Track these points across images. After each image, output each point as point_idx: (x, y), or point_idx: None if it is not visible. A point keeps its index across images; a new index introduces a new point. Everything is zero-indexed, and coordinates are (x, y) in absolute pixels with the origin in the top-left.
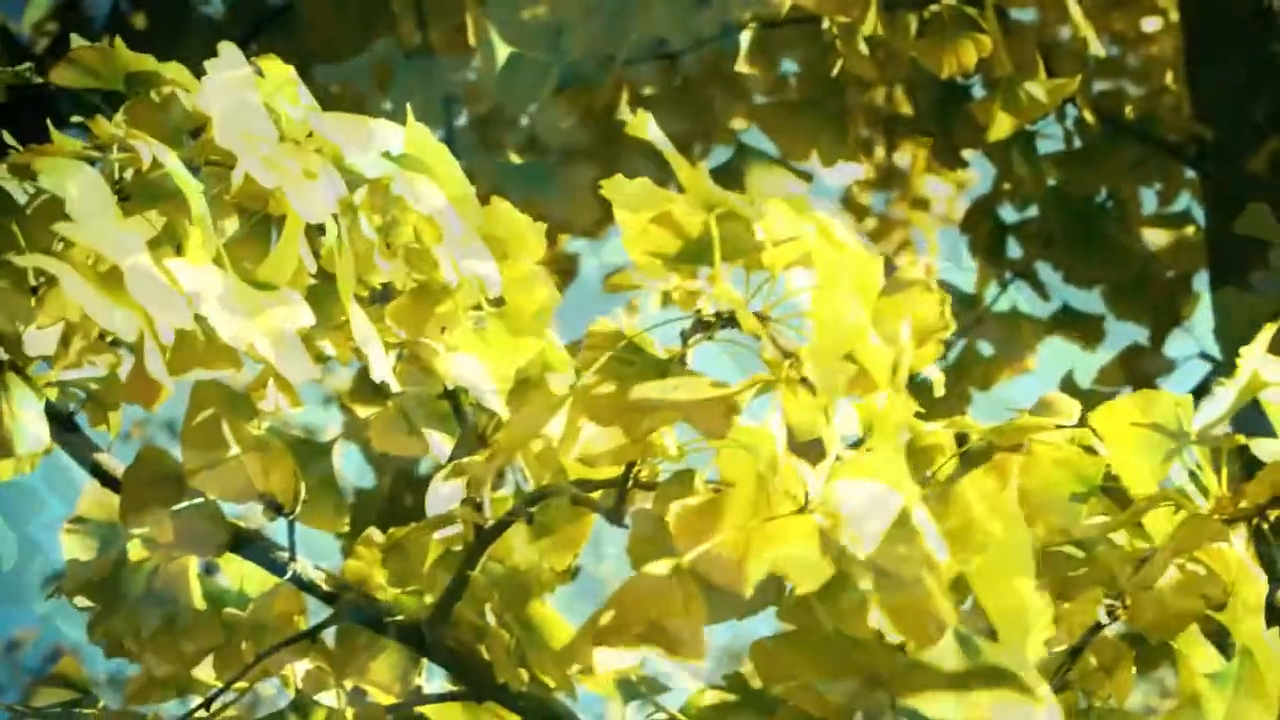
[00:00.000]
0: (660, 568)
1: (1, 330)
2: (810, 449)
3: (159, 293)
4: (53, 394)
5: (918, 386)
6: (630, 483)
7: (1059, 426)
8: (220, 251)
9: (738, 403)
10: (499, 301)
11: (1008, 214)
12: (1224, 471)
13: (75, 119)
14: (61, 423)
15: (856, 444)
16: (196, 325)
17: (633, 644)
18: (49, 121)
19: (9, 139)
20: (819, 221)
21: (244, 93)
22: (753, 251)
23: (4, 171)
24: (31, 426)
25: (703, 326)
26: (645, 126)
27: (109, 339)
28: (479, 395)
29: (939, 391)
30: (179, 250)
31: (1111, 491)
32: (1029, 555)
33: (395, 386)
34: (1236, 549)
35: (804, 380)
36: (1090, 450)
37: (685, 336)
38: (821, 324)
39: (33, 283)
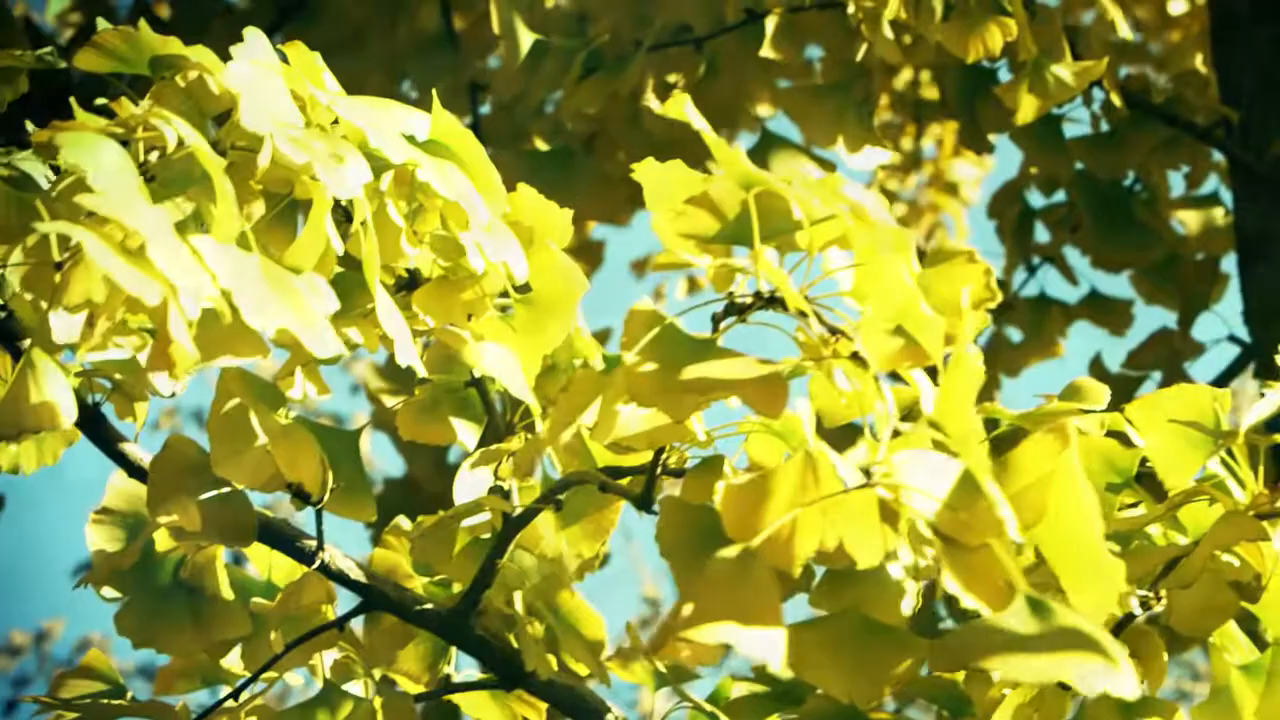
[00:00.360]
0: (730, 552)
1: (25, 317)
2: (838, 439)
3: (183, 262)
4: (76, 384)
5: None
6: (659, 469)
7: (1087, 412)
8: (247, 233)
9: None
10: (525, 289)
11: (1035, 199)
12: (1261, 469)
13: (100, 102)
14: (85, 413)
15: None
16: (223, 300)
17: (718, 621)
18: (72, 103)
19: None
20: (852, 201)
21: (269, 77)
22: (789, 232)
23: (29, 155)
24: (61, 401)
25: (736, 309)
26: (682, 108)
27: (134, 325)
28: (506, 383)
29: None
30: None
31: (1143, 479)
32: (1096, 512)
33: (422, 373)
34: (1274, 545)
35: (854, 356)
36: (1123, 438)
37: (717, 320)
38: (871, 296)
39: (56, 258)
